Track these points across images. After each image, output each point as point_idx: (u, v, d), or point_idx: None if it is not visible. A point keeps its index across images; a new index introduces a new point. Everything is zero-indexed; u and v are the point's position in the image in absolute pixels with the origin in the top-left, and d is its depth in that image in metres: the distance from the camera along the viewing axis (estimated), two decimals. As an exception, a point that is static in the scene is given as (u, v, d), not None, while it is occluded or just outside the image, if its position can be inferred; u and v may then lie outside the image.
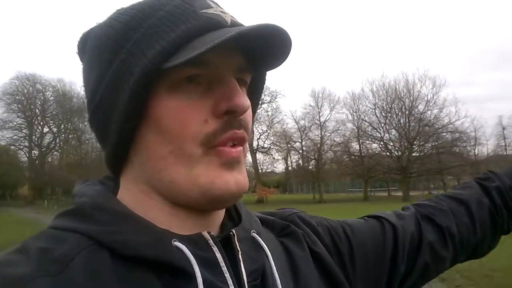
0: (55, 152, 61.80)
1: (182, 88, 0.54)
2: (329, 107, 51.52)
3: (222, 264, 0.54)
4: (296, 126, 54.11)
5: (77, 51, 0.63)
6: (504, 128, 65.88)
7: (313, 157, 51.58)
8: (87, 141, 60.12)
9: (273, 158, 58.57)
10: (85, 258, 0.48)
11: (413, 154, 43.37)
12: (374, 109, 46.59)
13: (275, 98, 55.57)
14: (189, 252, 0.51)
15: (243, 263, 0.57)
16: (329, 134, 50.58)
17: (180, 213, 0.57)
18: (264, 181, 57.99)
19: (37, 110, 55.39)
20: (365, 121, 47.38)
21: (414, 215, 0.85)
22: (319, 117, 51.42)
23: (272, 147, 56.12)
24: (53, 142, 59.10)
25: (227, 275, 0.54)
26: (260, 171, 57.93)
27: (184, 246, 0.51)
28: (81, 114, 56.65)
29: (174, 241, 0.51)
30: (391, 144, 45.43)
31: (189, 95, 0.54)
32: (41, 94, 55.16)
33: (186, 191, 0.54)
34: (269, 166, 62.54)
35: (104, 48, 0.55)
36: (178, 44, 0.51)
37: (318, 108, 51.75)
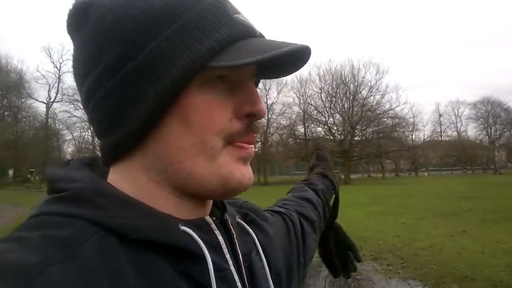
0: (-12, 130, 58.15)
1: (213, 85, 0.55)
2: (276, 90, 51.98)
3: (224, 246, 0.57)
4: (243, 108, 53.93)
5: (70, 19, 0.58)
6: (440, 115, 69.62)
7: (259, 140, 51.88)
8: (24, 119, 57.00)
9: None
10: (96, 243, 0.46)
11: (355, 138, 44.86)
12: (320, 93, 47.55)
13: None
14: (197, 236, 0.53)
15: (239, 246, 0.61)
16: (276, 117, 51.10)
17: (186, 202, 0.57)
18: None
19: (-33, 85, 51.62)
20: (311, 104, 48.25)
21: (296, 212, 0.97)
22: (267, 99, 51.63)
23: (218, 129, 55.67)
24: (-14, 120, 55.42)
25: (227, 256, 0.57)
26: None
27: (191, 230, 0.53)
28: (18, 89, 53.54)
29: (181, 225, 0.53)
30: (335, 128, 46.64)
31: (217, 93, 0.55)
32: (-28, 67, 51.38)
33: (205, 182, 0.55)
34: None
35: (129, 29, 0.52)
36: (224, 45, 0.52)
37: (266, 91, 51.82)
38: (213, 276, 0.52)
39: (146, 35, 0.51)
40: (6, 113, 56.04)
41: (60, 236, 0.46)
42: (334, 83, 46.92)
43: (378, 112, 46.40)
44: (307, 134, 48.53)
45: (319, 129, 48.97)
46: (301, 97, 49.07)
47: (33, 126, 58.30)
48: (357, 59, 69.98)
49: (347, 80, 46.73)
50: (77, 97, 47.08)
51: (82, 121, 54.59)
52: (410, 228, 10.91)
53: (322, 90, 47.37)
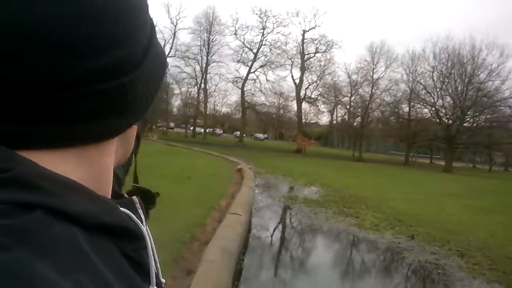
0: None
1: None
2: (385, 64, 49.98)
3: (145, 223, 0.60)
4: (348, 80, 53.00)
5: None
6: None
7: (359, 114, 50.71)
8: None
9: (319, 109, 58.12)
10: (61, 232, 0.42)
11: (464, 125, 41.82)
12: (432, 72, 44.71)
13: (330, 49, 54.17)
14: (134, 216, 0.54)
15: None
16: (380, 93, 49.37)
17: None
18: (306, 131, 57.88)
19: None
20: (420, 83, 45.69)
21: None
22: (373, 73, 49.98)
23: (319, 98, 55.49)
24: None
25: (148, 232, 0.60)
26: (304, 121, 57.74)
27: (127, 210, 0.53)
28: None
29: (119, 206, 0.53)
30: (443, 111, 43.86)
31: None
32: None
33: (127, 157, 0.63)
34: (313, 117, 62.22)
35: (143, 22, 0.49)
36: None
37: (373, 64, 50.29)
38: (151, 253, 0.55)
39: (149, 35, 0.51)
40: (124, 62, 60.81)
41: (19, 226, 0.39)
42: (450, 62, 43.62)
43: (495, 98, 42.41)
44: (411, 114, 46.36)
45: (425, 110, 46.50)
46: (410, 74, 46.62)
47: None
48: (479, 39, 63.52)
49: (464, 61, 43.03)
50: (188, 54, 49.78)
51: (191, 78, 57.58)
52: (508, 229, 10.22)
53: (435, 69, 44.46)
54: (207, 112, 63.04)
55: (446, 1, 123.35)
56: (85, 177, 0.49)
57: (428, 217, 10.98)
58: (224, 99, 67.06)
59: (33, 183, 0.43)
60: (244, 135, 59.92)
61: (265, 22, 55.37)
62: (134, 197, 0.62)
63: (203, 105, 59.58)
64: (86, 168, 0.50)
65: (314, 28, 55.20)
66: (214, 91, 60.59)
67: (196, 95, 58.81)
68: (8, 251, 0.37)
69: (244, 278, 6.12)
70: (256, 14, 55.78)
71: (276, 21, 55.28)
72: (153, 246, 0.60)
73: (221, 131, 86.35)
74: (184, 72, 57.32)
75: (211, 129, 73.76)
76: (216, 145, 43.24)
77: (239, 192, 10.82)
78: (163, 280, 0.62)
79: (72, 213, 0.44)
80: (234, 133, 78.01)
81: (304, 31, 55.00)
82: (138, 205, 0.61)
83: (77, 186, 0.48)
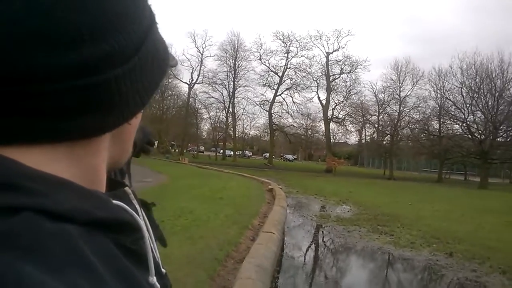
0: (139, 105, 65.39)
1: None
2: (411, 82, 49.47)
3: (140, 213, 0.58)
4: (375, 99, 52.72)
5: None
6: None
7: (388, 132, 50.19)
8: (169, 97, 63.03)
9: (347, 129, 57.81)
10: (54, 234, 0.39)
11: (498, 139, 40.66)
12: (461, 88, 43.68)
13: (355, 69, 54.20)
14: (128, 208, 0.52)
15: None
16: (408, 110, 48.84)
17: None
18: (335, 151, 57.52)
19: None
20: (449, 100, 44.76)
21: None
22: (400, 91, 49.56)
23: (347, 118, 55.28)
24: (138, 95, 62.48)
25: (146, 222, 0.59)
26: (332, 141, 57.50)
27: (121, 203, 0.51)
28: (165, 70, 59.43)
29: (112, 199, 0.50)
30: (475, 126, 42.81)
31: None
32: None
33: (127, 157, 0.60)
34: (342, 137, 61.90)
35: (142, 10, 0.47)
36: None
37: (400, 83, 49.87)
38: (148, 243, 0.53)
39: (148, 24, 0.49)
40: (154, 90, 62.62)
41: (3, 230, 0.37)
42: (478, 77, 42.68)
43: (529, 112, 41.26)
44: (441, 131, 45.52)
45: (456, 126, 45.44)
46: (438, 91, 45.78)
47: (176, 104, 64.41)
48: (508, 52, 61.88)
49: (493, 75, 42.01)
50: (216, 79, 50.92)
51: (219, 102, 58.50)
52: (552, 245, 9.85)
53: (463, 85, 43.52)
54: (236, 135, 63.67)
55: (472, 17, 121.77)
56: (75, 175, 0.47)
57: (466, 234, 10.70)
58: (252, 122, 67.50)
59: (16, 184, 0.41)
60: (273, 156, 59.97)
61: (289, 46, 55.97)
62: (127, 188, 0.59)
63: (232, 129, 60.23)
64: (75, 166, 0.48)
65: (337, 50, 55.35)
66: (242, 114, 61.09)
67: (225, 119, 59.55)
68: None
69: (279, 297, 6.11)
70: (280, 39, 56.29)
71: (300, 45, 55.79)
72: (152, 236, 0.58)
73: (250, 153, 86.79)
74: (212, 97, 58.27)
75: (240, 152, 74.18)
76: (246, 167, 43.51)
77: (271, 212, 10.86)
78: (164, 270, 0.61)
79: (60, 211, 0.41)
80: (264, 155, 78.56)
81: (328, 53, 55.34)
82: (132, 196, 0.59)
83: (65, 182, 0.45)
